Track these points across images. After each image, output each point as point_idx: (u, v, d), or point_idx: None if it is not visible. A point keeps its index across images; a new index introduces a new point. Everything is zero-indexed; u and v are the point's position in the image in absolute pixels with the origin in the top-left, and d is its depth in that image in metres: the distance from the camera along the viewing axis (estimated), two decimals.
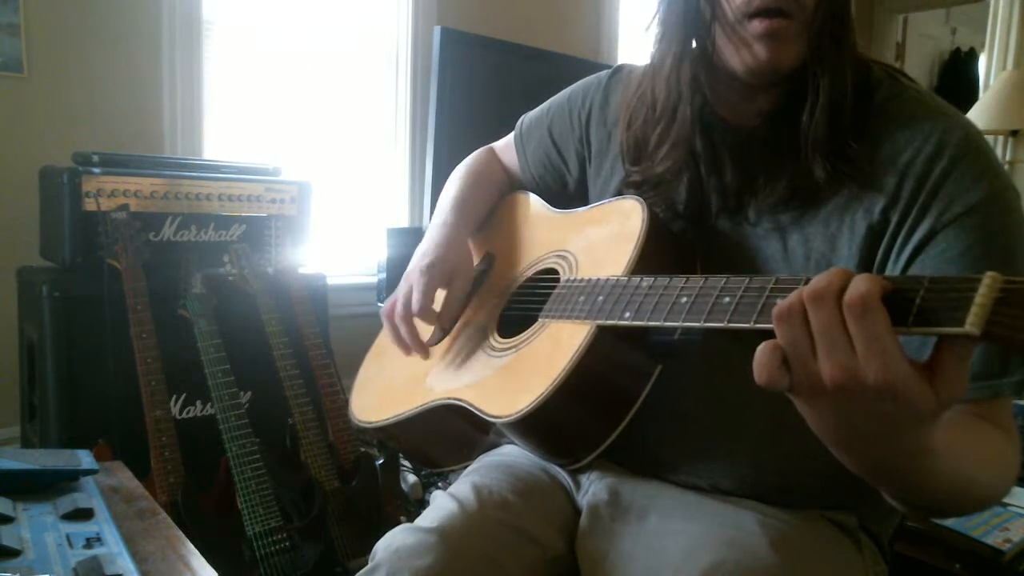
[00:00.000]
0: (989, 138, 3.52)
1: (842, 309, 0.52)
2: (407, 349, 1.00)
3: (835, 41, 0.75)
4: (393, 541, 0.81)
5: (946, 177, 0.73)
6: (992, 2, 3.67)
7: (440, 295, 1.00)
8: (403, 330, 0.99)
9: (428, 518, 0.85)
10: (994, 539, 1.34)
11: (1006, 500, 1.49)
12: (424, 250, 1.03)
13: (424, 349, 1.00)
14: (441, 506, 0.86)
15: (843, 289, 0.53)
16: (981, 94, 3.70)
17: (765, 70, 0.76)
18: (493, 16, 3.12)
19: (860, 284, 0.52)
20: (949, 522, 1.38)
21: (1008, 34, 3.58)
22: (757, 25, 0.74)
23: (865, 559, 0.84)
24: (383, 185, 3.03)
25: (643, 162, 0.88)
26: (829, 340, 0.53)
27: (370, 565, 0.80)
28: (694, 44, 0.80)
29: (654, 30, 0.85)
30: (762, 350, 0.56)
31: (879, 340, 0.51)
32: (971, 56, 5.69)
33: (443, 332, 1.01)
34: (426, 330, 1.03)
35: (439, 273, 0.99)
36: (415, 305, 0.97)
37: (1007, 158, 3.62)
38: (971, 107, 3.49)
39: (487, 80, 2.53)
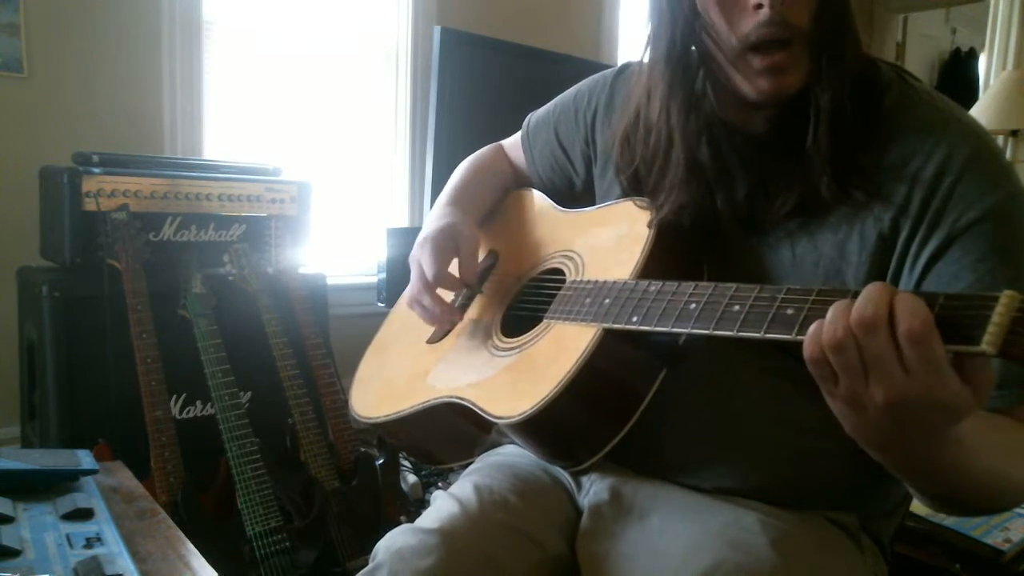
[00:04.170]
0: None
1: (896, 336, 0.53)
2: (437, 321, 0.98)
3: (834, 57, 0.75)
4: (394, 542, 0.81)
5: (958, 183, 0.72)
6: (992, 2, 3.67)
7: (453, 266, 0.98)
8: (425, 301, 0.96)
9: (429, 518, 0.85)
10: (994, 539, 1.33)
11: None
12: (423, 232, 1.02)
13: (455, 312, 0.98)
14: (442, 507, 0.86)
15: (891, 313, 0.53)
16: (981, 94, 3.69)
17: (771, 99, 0.76)
18: (493, 16, 3.12)
19: (916, 311, 0.52)
20: (949, 522, 1.38)
21: (1008, 34, 3.58)
22: (759, 61, 0.74)
23: (866, 559, 0.84)
24: (383, 185, 3.03)
25: (650, 187, 0.87)
26: (882, 366, 0.54)
27: (371, 565, 0.80)
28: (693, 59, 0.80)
29: (647, 50, 0.85)
30: (815, 327, 0.56)
31: (937, 363, 0.52)
32: (971, 56, 5.69)
33: (470, 292, 0.99)
34: (427, 327, 1.03)
35: (442, 240, 0.97)
36: (429, 273, 0.95)
37: (1008, 158, 3.62)
38: (971, 107, 3.49)
39: (487, 80, 2.53)
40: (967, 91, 5.16)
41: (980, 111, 3.41)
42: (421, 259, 0.97)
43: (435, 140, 2.42)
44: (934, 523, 1.38)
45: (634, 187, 0.89)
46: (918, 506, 1.41)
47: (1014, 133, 3.59)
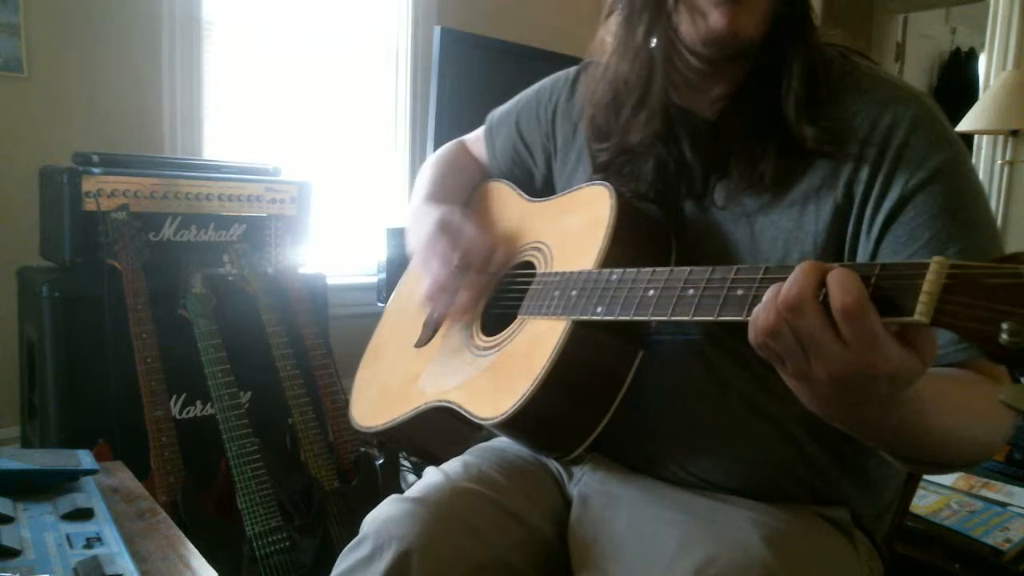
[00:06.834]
0: (989, 138, 3.52)
1: (830, 312, 0.53)
2: (460, 315, 0.97)
3: (799, 17, 0.78)
4: (379, 514, 0.82)
5: (906, 144, 0.74)
6: (992, 2, 3.67)
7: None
8: (455, 287, 0.95)
9: (415, 489, 0.86)
10: (994, 539, 1.34)
11: (1006, 500, 1.49)
12: (428, 229, 0.99)
13: (470, 307, 0.97)
14: (428, 479, 0.88)
15: (818, 289, 0.53)
16: (981, 94, 3.69)
17: (724, 38, 0.75)
18: (493, 16, 3.12)
19: (847, 287, 0.52)
20: (949, 522, 1.39)
21: (1008, 34, 3.58)
22: None
23: (860, 555, 0.84)
24: (383, 185, 3.03)
25: (613, 137, 0.87)
26: (817, 344, 0.54)
27: (357, 538, 0.81)
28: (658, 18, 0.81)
29: (618, 12, 0.88)
30: (755, 314, 0.57)
31: (874, 337, 0.52)
32: (971, 56, 5.68)
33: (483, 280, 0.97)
34: (414, 331, 1.03)
35: (454, 231, 0.97)
36: (455, 261, 0.94)
37: (1007, 158, 3.61)
38: (971, 107, 3.49)
39: (487, 80, 2.53)
40: (967, 91, 5.16)
41: (980, 111, 3.41)
42: (440, 251, 0.96)
43: (435, 140, 2.42)
44: (934, 523, 1.39)
45: (603, 136, 0.89)
46: (918, 506, 1.42)
47: (1014, 133, 3.58)
